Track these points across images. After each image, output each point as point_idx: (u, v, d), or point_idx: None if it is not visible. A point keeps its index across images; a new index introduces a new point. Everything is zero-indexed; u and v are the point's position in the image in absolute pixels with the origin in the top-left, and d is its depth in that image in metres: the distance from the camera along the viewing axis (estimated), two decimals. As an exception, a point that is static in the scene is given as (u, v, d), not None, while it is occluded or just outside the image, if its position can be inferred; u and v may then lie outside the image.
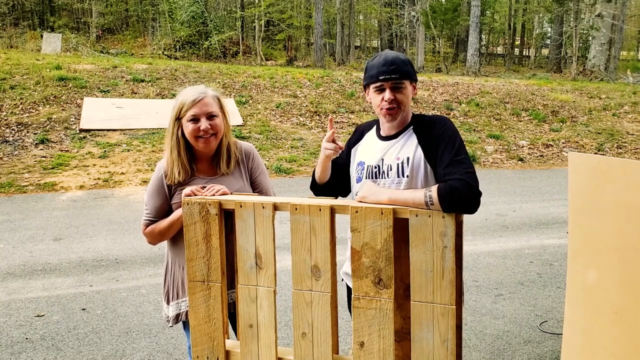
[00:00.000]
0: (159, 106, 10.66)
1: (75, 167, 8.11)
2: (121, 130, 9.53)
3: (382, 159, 1.96)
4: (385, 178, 1.93)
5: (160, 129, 9.70)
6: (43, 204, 6.67)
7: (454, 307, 1.63)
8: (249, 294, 1.83)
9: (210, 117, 2.03)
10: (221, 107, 2.09)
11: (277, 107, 11.33)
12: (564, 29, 23.78)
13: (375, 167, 1.97)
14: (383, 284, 1.68)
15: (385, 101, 1.91)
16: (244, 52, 23.23)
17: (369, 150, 2.04)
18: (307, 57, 25.15)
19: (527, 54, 33.09)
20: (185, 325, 2.21)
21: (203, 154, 2.13)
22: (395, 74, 1.88)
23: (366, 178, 1.98)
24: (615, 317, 1.62)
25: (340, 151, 1.99)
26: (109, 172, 7.98)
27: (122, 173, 8.00)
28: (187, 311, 2.15)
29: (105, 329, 3.59)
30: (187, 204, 1.86)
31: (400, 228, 1.70)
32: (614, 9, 19.18)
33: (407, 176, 1.88)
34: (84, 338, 3.46)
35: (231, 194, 2.00)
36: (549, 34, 29.04)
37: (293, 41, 26.16)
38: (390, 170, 1.93)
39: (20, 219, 6.04)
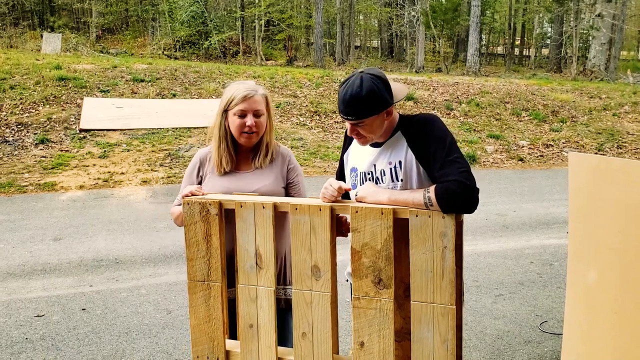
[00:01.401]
0: (159, 106, 10.66)
1: (75, 167, 8.11)
2: (121, 130, 9.53)
3: (374, 165, 1.95)
4: (380, 183, 1.92)
5: (160, 129, 9.69)
6: (43, 204, 6.67)
7: (454, 307, 1.63)
8: (249, 294, 1.83)
9: (257, 114, 2.11)
10: (267, 106, 2.16)
11: (277, 107, 11.32)
12: (564, 28, 23.78)
13: (369, 174, 1.96)
14: (383, 284, 1.68)
15: (350, 134, 1.92)
16: (244, 52, 23.22)
17: (359, 156, 2.03)
18: (307, 57, 25.14)
19: (527, 53, 33.08)
20: None
21: (243, 148, 2.20)
22: (351, 116, 1.82)
23: (361, 185, 1.97)
24: (615, 317, 1.62)
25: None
26: (109, 172, 7.98)
27: (122, 173, 8.00)
28: None
29: (105, 329, 3.59)
30: (188, 203, 1.86)
31: (400, 228, 1.70)
32: (614, 8, 19.18)
33: (402, 180, 1.87)
34: (83, 338, 3.46)
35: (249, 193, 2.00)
36: (549, 34, 29.03)
37: (293, 41, 26.14)
38: (384, 175, 1.92)
39: (20, 219, 6.04)
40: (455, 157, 1.75)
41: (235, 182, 2.15)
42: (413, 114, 1.98)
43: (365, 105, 1.80)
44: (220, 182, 2.14)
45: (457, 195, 1.63)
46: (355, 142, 2.08)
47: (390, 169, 1.90)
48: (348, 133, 1.93)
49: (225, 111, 2.13)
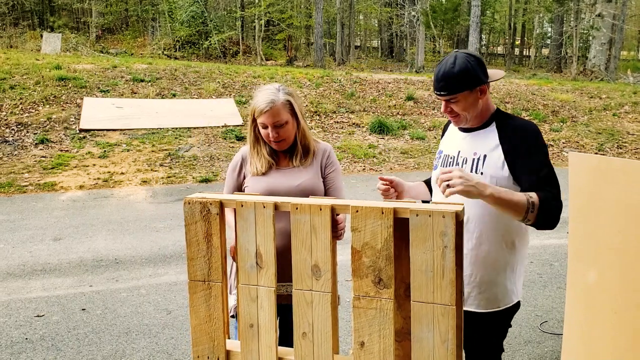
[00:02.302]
0: (158, 106, 10.66)
1: (75, 167, 8.11)
2: (121, 130, 9.53)
3: (459, 151, 1.94)
4: None
5: (160, 129, 9.69)
6: (43, 204, 6.67)
7: (455, 307, 1.63)
8: (250, 294, 1.83)
9: (278, 125, 2.14)
10: (292, 110, 2.18)
11: (277, 107, 11.32)
12: (564, 28, 23.79)
13: (451, 157, 1.95)
14: (383, 283, 1.68)
15: (444, 111, 1.95)
16: (244, 52, 23.22)
17: (449, 140, 2.04)
18: (307, 57, 25.13)
19: (527, 53, 33.09)
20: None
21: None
22: (444, 91, 1.86)
23: (441, 166, 1.96)
24: (615, 317, 1.62)
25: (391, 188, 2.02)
26: (109, 172, 7.98)
27: (122, 173, 8.00)
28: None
29: (105, 329, 3.59)
30: (188, 203, 1.86)
31: (401, 227, 1.69)
32: (614, 8, 19.19)
33: (482, 173, 1.86)
34: (83, 338, 3.46)
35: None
36: (549, 34, 29.04)
37: (293, 41, 26.15)
38: (465, 163, 1.90)
39: (20, 219, 6.04)
40: (552, 175, 1.83)
41: (277, 178, 2.19)
42: (511, 114, 1.98)
43: (457, 80, 1.84)
44: (263, 179, 2.19)
45: (557, 217, 1.75)
46: (449, 129, 2.10)
47: (474, 159, 1.88)
48: (442, 110, 1.94)
49: (254, 120, 2.19)
